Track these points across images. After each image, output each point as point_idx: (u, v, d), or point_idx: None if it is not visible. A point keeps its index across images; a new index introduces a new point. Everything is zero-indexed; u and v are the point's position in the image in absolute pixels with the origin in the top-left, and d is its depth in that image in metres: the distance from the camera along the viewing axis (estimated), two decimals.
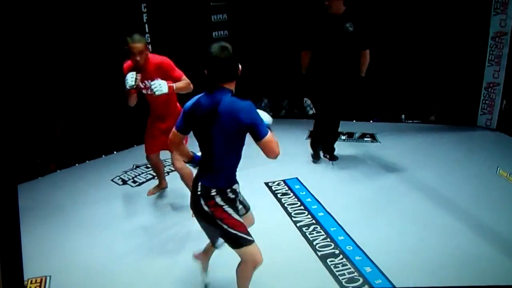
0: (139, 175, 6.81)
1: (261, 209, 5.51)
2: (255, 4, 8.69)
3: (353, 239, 4.89)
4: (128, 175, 6.83)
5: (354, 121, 8.44)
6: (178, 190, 5.98)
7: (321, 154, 6.95)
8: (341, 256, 4.64)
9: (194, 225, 5.14)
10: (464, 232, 4.95)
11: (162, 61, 5.18)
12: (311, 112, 8.50)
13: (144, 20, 7.84)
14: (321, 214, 5.42)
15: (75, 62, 7.20)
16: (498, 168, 6.27)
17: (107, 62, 7.39)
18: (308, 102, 8.41)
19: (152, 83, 5.01)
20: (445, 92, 8.08)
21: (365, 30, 6.24)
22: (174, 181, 6.11)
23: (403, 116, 8.41)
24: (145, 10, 7.83)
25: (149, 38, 7.86)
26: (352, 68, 6.36)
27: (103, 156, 7.60)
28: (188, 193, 3.98)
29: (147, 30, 7.84)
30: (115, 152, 7.69)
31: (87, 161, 7.42)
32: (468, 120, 7.90)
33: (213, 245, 3.95)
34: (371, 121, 8.49)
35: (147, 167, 6.93)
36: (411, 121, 8.36)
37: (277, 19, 8.65)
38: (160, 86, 4.98)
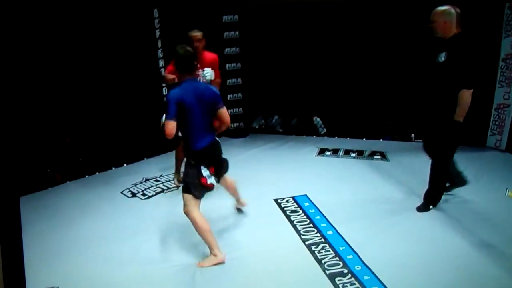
0: (148, 188, 6.82)
1: (270, 226, 5.62)
2: (266, 23, 8.75)
3: (361, 258, 4.86)
4: (138, 188, 6.84)
5: (364, 139, 8.46)
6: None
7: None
8: (349, 276, 4.61)
9: (196, 234, 5.15)
10: (472, 253, 4.91)
11: (215, 57, 6.42)
12: (323, 131, 8.53)
13: (157, 36, 7.90)
14: (330, 232, 5.39)
15: (87, 74, 7.28)
16: (507, 190, 6.25)
17: (119, 74, 7.47)
18: (319, 120, 8.42)
19: (206, 69, 6.14)
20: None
21: (463, 62, 5.21)
22: (177, 197, 6.13)
23: (413, 135, 8.38)
24: (158, 26, 7.89)
25: (161, 53, 7.93)
26: (446, 107, 5.36)
27: (113, 168, 7.63)
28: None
29: (159, 46, 7.91)
30: (125, 165, 7.73)
31: (97, 173, 7.46)
32: (478, 140, 7.88)
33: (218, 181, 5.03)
34: (381, 140, 8.49)
35: (157, 180, 6.98)
36: (420, 140, 8.28)
37: (288, 37, 8.71)
38: (211, 73, 6.14)
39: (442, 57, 5.34)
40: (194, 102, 4.58)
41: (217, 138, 4.92)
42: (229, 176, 5.37)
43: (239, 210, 5.98)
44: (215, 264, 4.85)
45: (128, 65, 7.58)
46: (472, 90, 5.22)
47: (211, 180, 4.79)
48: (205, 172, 4.75)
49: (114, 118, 7.60)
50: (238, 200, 5.88)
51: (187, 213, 4.88)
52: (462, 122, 5.30)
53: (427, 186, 5.87)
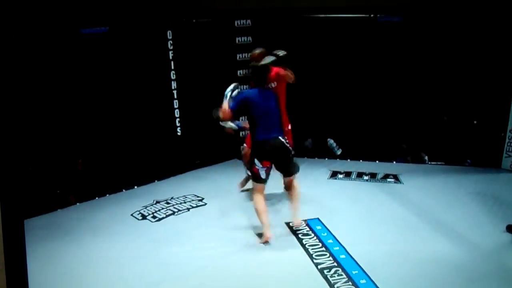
0: (159, 210, 6.74)
1: (282, 250, 5.54)
2: (281, 30, 8.58)
3: (375, 283, 4.75)
4: (148, 210, 6.77)
5: (377, 161, 8.37)
6: (194, 227, 6.12)
7: None
8: None
9: (215, 259, 5.29)
10: (493, 277, 4.79)
11: (277, 70, 6.13)
12: (339, 151, 8.46)
13: (170, 58, 7.93)
14: (342, 256, 5.28)
15: (99, 95, 7.33)
16: None
17: (131, 95, 7.49)
18: (332, 142, 8.34)
19: None
20: (471, 133, 8.01)
21: None
22: (187, 220, 6.28)
23: (426, 157, 8.31)
24: (171, 48, 7.91)
25: (174, 75, 7.93)
26: None
27: (124, 190, 7.58)
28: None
29: (172, 67, 7.94)
30: (135, 187, 7.68)
31: (107, 195, 7.42)
32: (493, 162, 7.80)
33: (286, 175, 5.91)
34: (394, 162, 8.40)
35: (168, 203, 6.92)
36: (434, 163, 8.26)
37: (303, 50, 8.53)
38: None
39: None
40: (258, 102, 5.69)
41: (282, 139, 5.70)
42: (297, 187, 5.96)
43: (290, 227, 6.05)
44: (263, 243, 5.60)
45: (141, 87, 7.60)
46: None
47: (262, 172, 5.69)
48: (257, 163, 5.66)
49: (126, 139, 7.61)
50: (293, 215, 6.04)
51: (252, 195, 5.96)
52: None
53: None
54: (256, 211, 5.74)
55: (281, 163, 5.80)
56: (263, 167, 5.67)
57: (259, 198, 5.77)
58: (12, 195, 2.91)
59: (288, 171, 5.86)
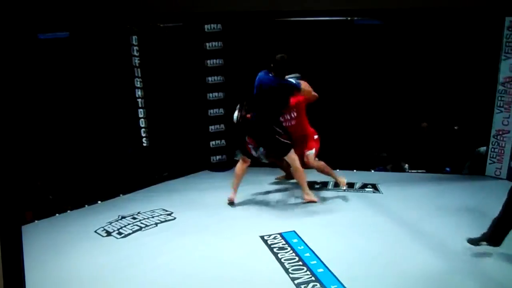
0: (124, 226, 6.36)
1: (256, 265, 5.30)
2: (254, 34, 8.36)
3: None
4: (113, 226, 6.37)
5: (355, 170, 8.12)
6: (163, 243, 5.86)
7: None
8: None
9: (185, 276, 5.08)
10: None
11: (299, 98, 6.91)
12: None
13: (135, 64, 7.58)
14: (320, 270, 5.00)
15: (58, 104, 7.08)
16: None
17: (92, 105, 7.20)
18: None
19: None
20: (453, 140, 7.92)
21: None
22: (155, 235, 6.07)
23: (406, 165, 8.12)
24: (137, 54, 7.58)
25: (140, 83, 7.62)
26: None
27: (86, 206, 7.18)
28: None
29: (138, 74, 7.61)
30: (99, 202, 7.28)
31: (68, 211, 7.02)
32: (476, 169, 7.66)
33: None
34: (373, 171, 8.18)
35: (134, 218, 6.58)
36: (415, 171, 8.04)
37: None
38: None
39: None
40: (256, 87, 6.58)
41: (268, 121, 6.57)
42: (314, 163, 6.95)
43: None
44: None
45: (103, 95, 7.30)
46: None
47: (253, 151, 6.85)
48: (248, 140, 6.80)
49: (88, 151, 7.34)
50: (337, 178, 7.12)
51: None
52: None
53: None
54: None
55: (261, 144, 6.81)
56: (250, 144, 6.81)
57: (240, 164, 6.90)
58: None
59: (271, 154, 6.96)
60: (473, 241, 5.19)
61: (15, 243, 3.06)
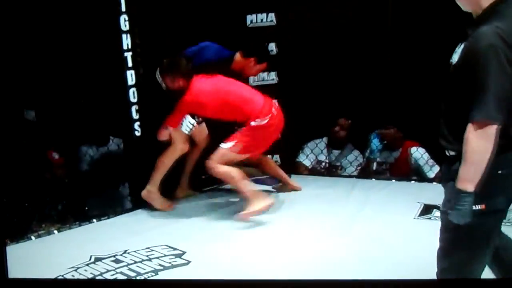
0: (100, 274, 3.72)
1: None
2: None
3: None
4: (82, 274, 3.70)
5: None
6: None
7: None
8: None
9: None
10: None
11: None
12: None
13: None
14: None
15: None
16: None
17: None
18: None
19: None
20: None
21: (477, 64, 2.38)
22: None
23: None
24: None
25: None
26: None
27: (33, 238, 4.48)
28: None
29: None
30: (55, 232, 4.60)
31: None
32: None
33: None
34: None
35: (117, 261, 3.95)
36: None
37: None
38: None
39: (456, 56, 2.50)
40: None
41: None
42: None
43: None
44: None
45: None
46: (495, 126, 2.33)
47: None
48: None
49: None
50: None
51: None
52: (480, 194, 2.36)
53: None
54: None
55: None
56: None
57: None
58: None
59: None
60: None
61: None
